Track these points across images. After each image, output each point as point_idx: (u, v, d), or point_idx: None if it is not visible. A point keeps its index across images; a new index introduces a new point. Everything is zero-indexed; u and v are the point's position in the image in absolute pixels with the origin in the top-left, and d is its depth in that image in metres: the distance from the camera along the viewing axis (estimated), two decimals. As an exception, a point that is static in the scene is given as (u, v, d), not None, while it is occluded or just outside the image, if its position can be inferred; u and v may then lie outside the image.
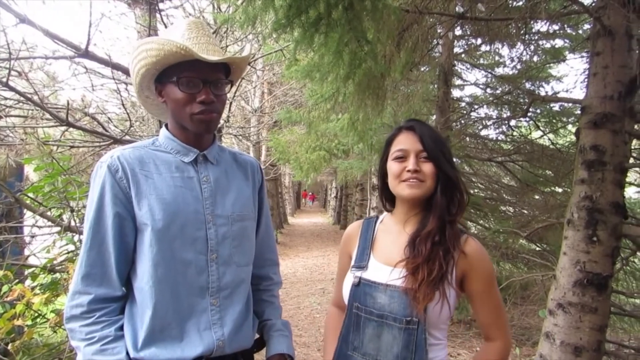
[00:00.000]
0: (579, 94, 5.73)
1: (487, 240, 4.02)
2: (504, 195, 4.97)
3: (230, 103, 5.82)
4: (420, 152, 1.03)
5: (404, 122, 1.11)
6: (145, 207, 0.97)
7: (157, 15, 3.28)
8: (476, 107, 5.31)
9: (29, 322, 2.07)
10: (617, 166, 2.06)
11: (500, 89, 4.99)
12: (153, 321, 0.96)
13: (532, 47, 4.23)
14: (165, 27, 3.37)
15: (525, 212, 4.59)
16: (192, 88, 0.99)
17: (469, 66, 5.26)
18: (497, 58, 5.04)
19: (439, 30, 3.56)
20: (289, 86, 8.56)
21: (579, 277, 2.08)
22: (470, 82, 5.46)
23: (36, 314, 2.11)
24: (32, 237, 2.76)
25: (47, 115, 2.67)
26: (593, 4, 2.36)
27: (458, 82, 5.48)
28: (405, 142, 1.06)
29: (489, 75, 5.10)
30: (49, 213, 2.51)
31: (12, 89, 2.31)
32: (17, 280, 2.18)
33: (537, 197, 4.54)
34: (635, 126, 2.24)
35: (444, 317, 0.99)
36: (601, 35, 2.10)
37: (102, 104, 4.91)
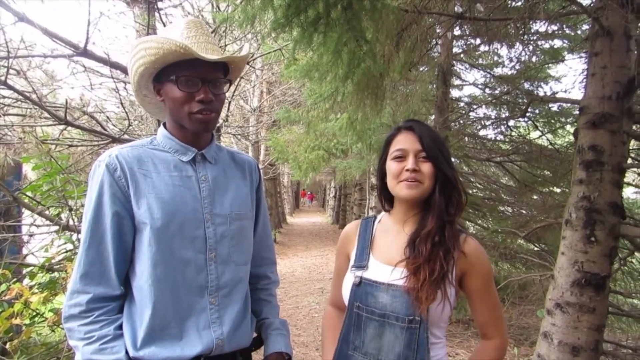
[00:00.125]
0: (578, 94, 5.73)
1: (486, 240, 4.03)
2: (503, 195, 4.97)
3: (229, 102, 5.81)
4: (420, 152, 1.04)
5: (403, 122, 1.12)
6: (144, 206, 0.97)
7: (156, 14, 3.27)
8: (475, 107, 5.30)
9: (27, 321, 2.06)
10: (615, 166, 2.07)
11: (499, 89, 4.99)
12: (152, 320, 0.96)
13: (530, 48, 4.24)
14: (164, 26, 3.36)
15: (524, 212, 4.60)
16: (190, 87, 0.99)
17: (467, 66, 5.25)
18: (495, 58, 5.04)
19: (437, 30, 3.56)
20: (288, 85, 8.56)
21: (577, 277, 2.08)
22: (469, 82, 5.46)
23: (34, 313, 2.10)
24: (31, 235, 2.76)
25: (46, 114, 2.66)
26: (592, 5, 2.36)
27: (457, 82, 5.49)
28: (405, 142, 1.06)
29: (488, 75, 5.09)
30: (47, 212, 2.50)
31: (10, 87, 2.31)
32: (15, 279, 2.18)
33: (535, 197, 4.54)
34: (634, 126, 2.24)
35: (445, 316, 1.01)
36: (600, 36, 2.10)
37: (101, 103, 4.91)
